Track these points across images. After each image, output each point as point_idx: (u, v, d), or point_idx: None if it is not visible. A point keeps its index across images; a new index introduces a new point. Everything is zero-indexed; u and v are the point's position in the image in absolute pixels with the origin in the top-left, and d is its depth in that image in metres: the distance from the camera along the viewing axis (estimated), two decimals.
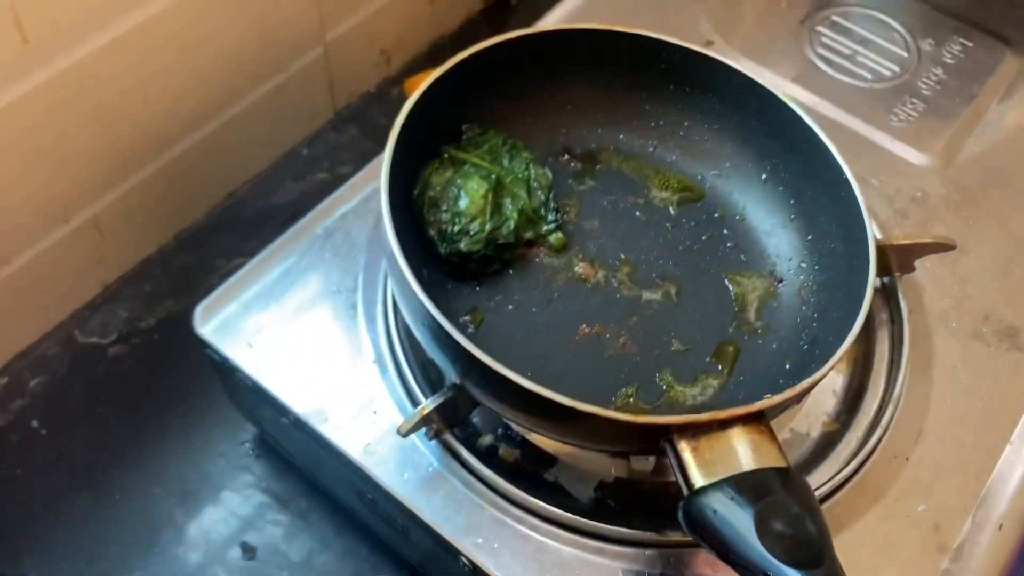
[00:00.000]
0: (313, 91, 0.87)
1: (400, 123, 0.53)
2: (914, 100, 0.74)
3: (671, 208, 0.63)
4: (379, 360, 0.58)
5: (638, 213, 0.62)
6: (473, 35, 1.00)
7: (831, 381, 0.61)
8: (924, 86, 0.75)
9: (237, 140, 0.82)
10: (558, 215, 0.60)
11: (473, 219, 0.55)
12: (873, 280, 0.52)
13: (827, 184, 0.58)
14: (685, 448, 0.45)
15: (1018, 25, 0.79)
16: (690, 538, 0.45)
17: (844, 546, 0.45)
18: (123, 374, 0.76)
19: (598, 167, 0.64)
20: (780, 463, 0.44)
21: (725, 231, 0.62)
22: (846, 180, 0.56)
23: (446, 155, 0.58)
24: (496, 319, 0.56)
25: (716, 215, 0.63)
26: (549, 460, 0.56)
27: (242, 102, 0.80)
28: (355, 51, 0.88)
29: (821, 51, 0.77)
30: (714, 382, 0.56)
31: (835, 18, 0.80)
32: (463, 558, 0.52)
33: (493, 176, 0.57)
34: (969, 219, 0.68)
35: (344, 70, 0.88)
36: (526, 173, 0.59)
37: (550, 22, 0.76)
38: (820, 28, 0.79)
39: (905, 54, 0.77)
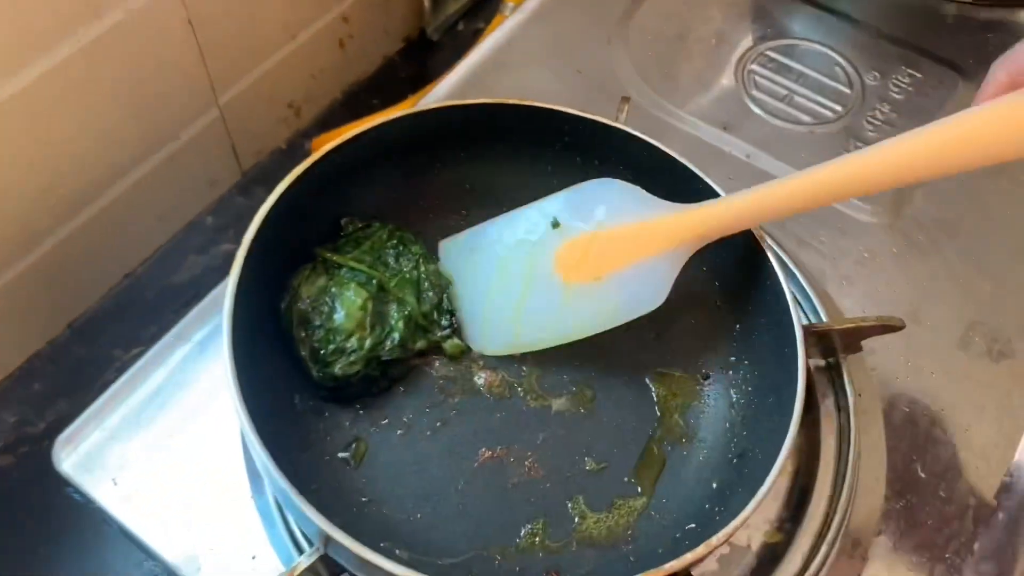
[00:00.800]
0: (212, 156, 0.80)
1: (253, 231, 0.47)
2: (858, 144, 0.67)
3: None
4: (257, 493, 0.51)
5: None
6: (392, 77, 0.94)
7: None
8: (869, 126, 0.69)
9: (128, 217, 0.75)
10: (453, 318, 0.53)
11: (350, 335, 0.48)
12: (803, 391, 0.46)
13: (750, 265, 0.51)
14: None
15: (971, 51, 0.73)
16: None
17: None
18: (10, 488, 0.69)
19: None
20: None
21: (645, 321, 0.55)
22: (769, 267, 0.49)
23: (319, 259, 0.51)
24: (382, 449, 0.49)
25: None
26: None
27: (127, 179, 0.73)
28: (257, 109, 0.81)
29: (756, 93, 0.70)
30: (635, 505, 0.49)
31: (771, 53, 0.73)
32: None
33: (374, 281, 0.50)
34: (923, 282, 0.61)
35: (246, 130, 0.81)
36: (415, 272, 0.52)
37: (444, 90, 0.68)
38: (754, 67, 0.72)
39: (848, 90, 0.71)
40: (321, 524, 0.38)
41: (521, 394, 0.52)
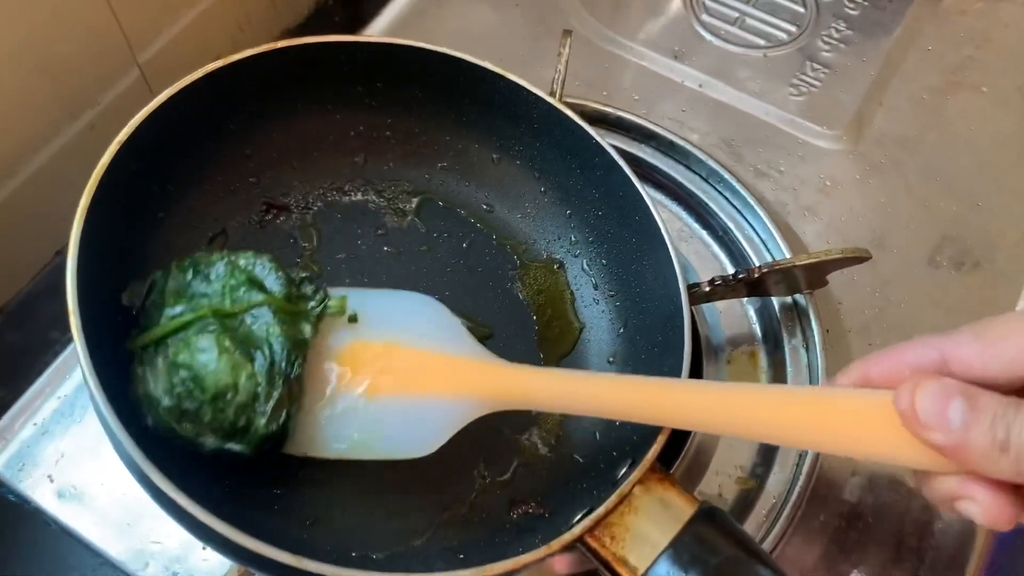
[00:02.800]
0: None
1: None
2: (815, 66, 0.64)
3: (418, 225, 0.53)
4: None
5: (386, 247, 0.53)
6: (327, 22, 0.89)
7: None
8: (825, 46, 0.65)
9: (53, 191, 0.70)
10: (316, 287, 0.43)
11: (235, 386, 0.39)
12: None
13: (573, 151, 0.51)
14: (602, 544, 0.40)
15: None
16: None
17: None
18: None
19: (314, 211, 0.53)
20: (695, 506, 0.41)
21: (479, 226, 0.54)
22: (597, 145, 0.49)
23: (136, 359, 0.41)
24: None
25: (462, 213, 0.54)
26: None
27: (46, 150, 0.68)
28: (181, 64, 0.76)
29: (706, 18, 0.67)
30: (550, 423, 0.48)
31: None
32: None
33: (207, 318, 0.40)
34: (888, 207, 0.59)
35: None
36: (234, 275, 0.42)
37: (378, 29, 0.64)
38: None
39: (802, 9, 0.67)
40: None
41: None
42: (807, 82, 0.63)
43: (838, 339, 0.54)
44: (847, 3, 0.68)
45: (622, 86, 0.61)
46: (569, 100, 0.52)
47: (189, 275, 0.42)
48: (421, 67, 0.51)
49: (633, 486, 0.40)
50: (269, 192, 0.51)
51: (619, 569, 0.39)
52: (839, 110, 0.62)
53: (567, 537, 0.39)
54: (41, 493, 0.49)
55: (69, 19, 0.64)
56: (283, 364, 0.39)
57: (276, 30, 0.86)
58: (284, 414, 0.39)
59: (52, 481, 0.49)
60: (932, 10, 0.67)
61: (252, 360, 0.39)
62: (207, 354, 0.38)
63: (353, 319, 0.43)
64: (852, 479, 0.50)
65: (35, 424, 0.51)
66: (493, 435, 0.48)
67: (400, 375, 0.42)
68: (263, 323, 0.40)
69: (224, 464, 0.40)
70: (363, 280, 0.50)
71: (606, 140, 0.49)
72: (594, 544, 0.40)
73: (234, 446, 0.39)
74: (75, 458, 0.50)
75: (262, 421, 0.39)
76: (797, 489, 0.49)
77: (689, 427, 0.41)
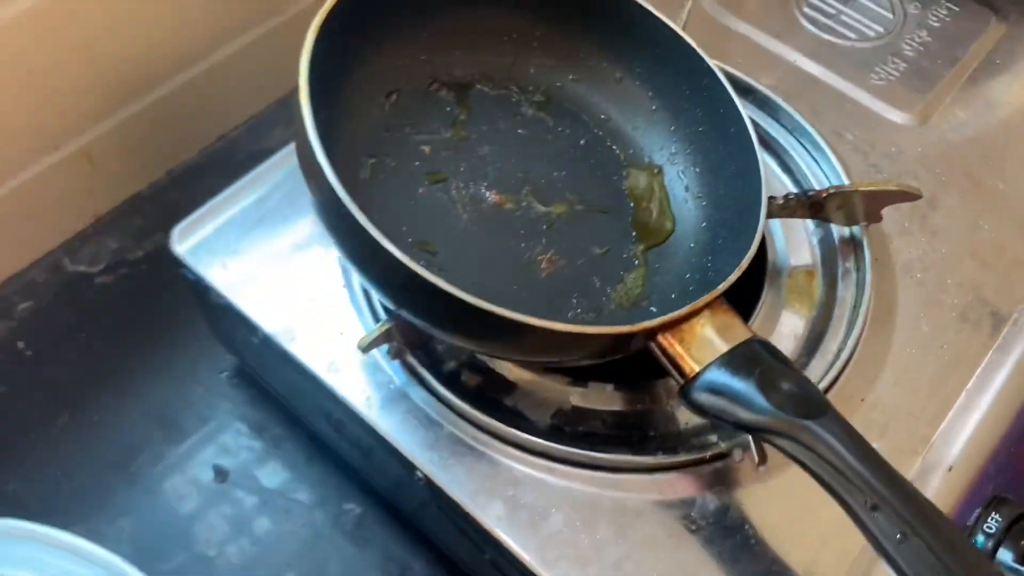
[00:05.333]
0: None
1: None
2: (896, 60, 0.75)
3: (547, 119, 0.64)
4: (348, 285, 0.59)
5: (519, 130, 0.63)
6: None
7: (792, 326, 0.61)
8: (907, 47, 0.76)
9: (228, 83, 0.83)
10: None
11: None
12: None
13: (686, 75, 0.61)
14: (671, 344, 0.50)
15: None
16: (631, 462, 0.51)
17: (797, 481, 0.47)
18: (109, 303, 0.77)
19: (469, 92, 0.63)
20: (750, 335, 0.50)
21: (596, 130, 0.64)
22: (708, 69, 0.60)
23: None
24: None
25: (584, 117, 0.65)
26: (509, 387, 0.57)
27: (232, 45, 0.81)
28: None
29: (807, 10, 0.78)
30: (638, 275, 0.58)
31: None
32: (418, 472, 0.53)
33: None
34: (942, 176, 0.68)
35: None
36: None
37: None
38: None
39: (890, 15, 0.78)
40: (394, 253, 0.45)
41: (524, 206, 0.60)
42: (888, 72, 0.74)
43: (885, 269, 0.63)
44: (931, 18, 0.78)
45: (727, 52, 0.72)
46: None
47: None
48: None
49: (705, 304, 0.50)
50: (435, 70, 0.63)
51: (681, 364, 0.49)
52: (913, 97, 0.72)
53: (645, 325, 0.48)
54: (214, 273, 0.60)
55: None
56: None
57: None
58: None
59: (225, 268, 0.60)
60: (1009, 33, 0.77)
61: None
62: None
63: None
64: (882, 374, 0.59)
65: (217, 225, 0.62)
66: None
67: None
68: None
69: None
70: (500, 149, 0.62)
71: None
72: (664, 342, 0.49)
73: None
74: (245, 254, 0.60)
75: None
76: (828, 378, 0.58)
77: None
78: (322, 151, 0.47)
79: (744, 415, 0.47)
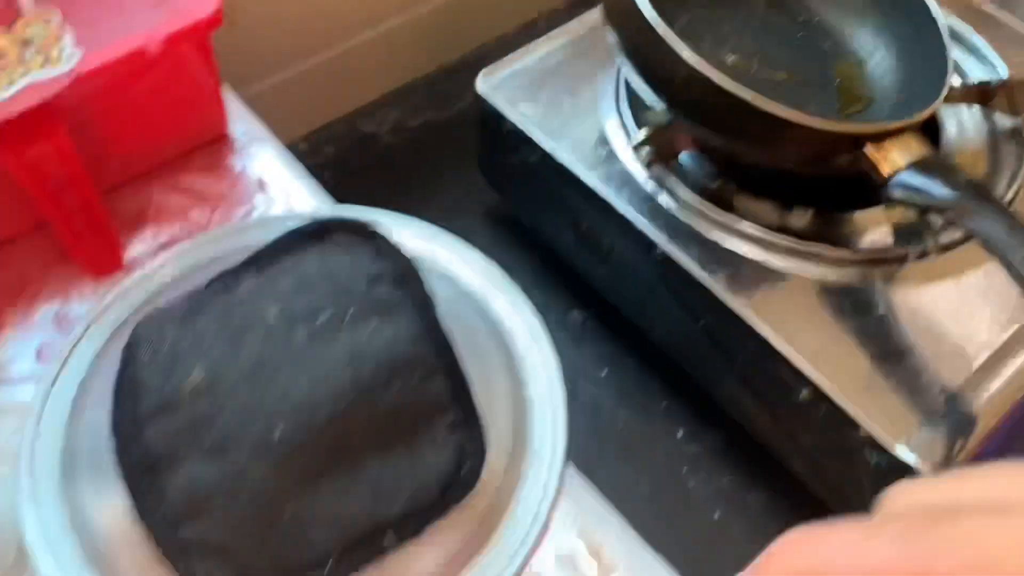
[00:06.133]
0: None
1: None
2: None
3: (781, 18, 0.80)
4: (618, 111, 0.77)
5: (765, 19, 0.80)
6: None
7: None
8: None
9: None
10: None
11: None
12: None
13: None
14: (879, 149, 0.64)
15: None
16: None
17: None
18: (392, 157, 0.98)
19: None
20: (935, 151, 0.65)
21: (816, 32, 0.80)
22: None
23: None
24: None
25: (814, 20, 0.81)
26: (730, 207, 0.74)
27: None
28: None
29: None
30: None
31: None
32: (658, 250, 0.70)
33: None
34: None
35: None
36: None
37: None
38: None
39: None
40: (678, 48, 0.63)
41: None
42: None
43: None
44: None
45: None
46: None
47: None
48: None
49: (907, 125, 0.65)
50: None
51: (881, 166, 0.64)
52: None
53: (870, 128, 0.64)
54: (508, 108, 0.79)
55: None
56: None
57: None
58: None
59: (516, 105, 0.79)
60: None
61: None
62: None
63: None
64: None
65: (512, 71, 0.81)
66: None
67: None
68: None
69: None
70: (749, 32, 0.79)
71: None
72: (872, 152, 0.65)
73: None
74: (534, 95, 0.79)
75: None
76: None
77: None
78: None
79: (939, 192, 0.62)
